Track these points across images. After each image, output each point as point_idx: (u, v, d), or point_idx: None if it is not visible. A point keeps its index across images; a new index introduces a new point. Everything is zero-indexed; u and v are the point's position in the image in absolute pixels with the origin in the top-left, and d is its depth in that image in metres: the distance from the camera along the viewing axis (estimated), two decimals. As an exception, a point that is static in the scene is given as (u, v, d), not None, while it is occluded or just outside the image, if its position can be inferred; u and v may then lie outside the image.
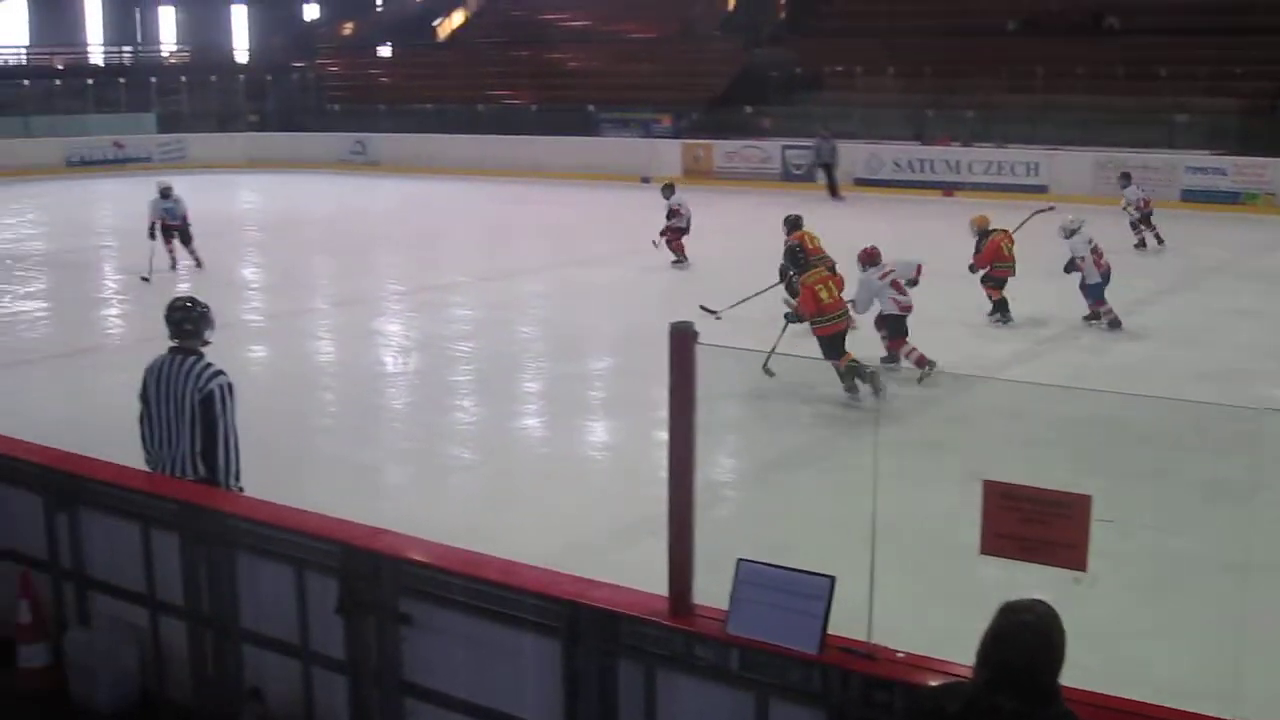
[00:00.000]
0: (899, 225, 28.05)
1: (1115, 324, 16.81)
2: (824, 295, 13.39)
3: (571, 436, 13.05)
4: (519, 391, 14.95)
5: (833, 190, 34.28)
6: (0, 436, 8.29)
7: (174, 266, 21.50)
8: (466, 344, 16.64)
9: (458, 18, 53.25)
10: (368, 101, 47.62)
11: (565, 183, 35.62)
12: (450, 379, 15.32)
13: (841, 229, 26.63)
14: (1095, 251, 16.86)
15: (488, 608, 5.73)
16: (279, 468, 11.13)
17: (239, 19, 63.78)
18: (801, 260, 14.79)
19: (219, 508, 6.79)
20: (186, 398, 7.35)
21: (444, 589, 5.87)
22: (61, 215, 27.58)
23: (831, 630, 4.98)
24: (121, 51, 59.33)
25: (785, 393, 12.67)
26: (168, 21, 63.97)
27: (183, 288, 18.38)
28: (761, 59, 41.74)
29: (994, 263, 17.19)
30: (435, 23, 53.22)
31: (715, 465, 10.46)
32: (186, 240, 21.78)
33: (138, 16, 62.40)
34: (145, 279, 20.09)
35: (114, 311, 20.31)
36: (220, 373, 7.45)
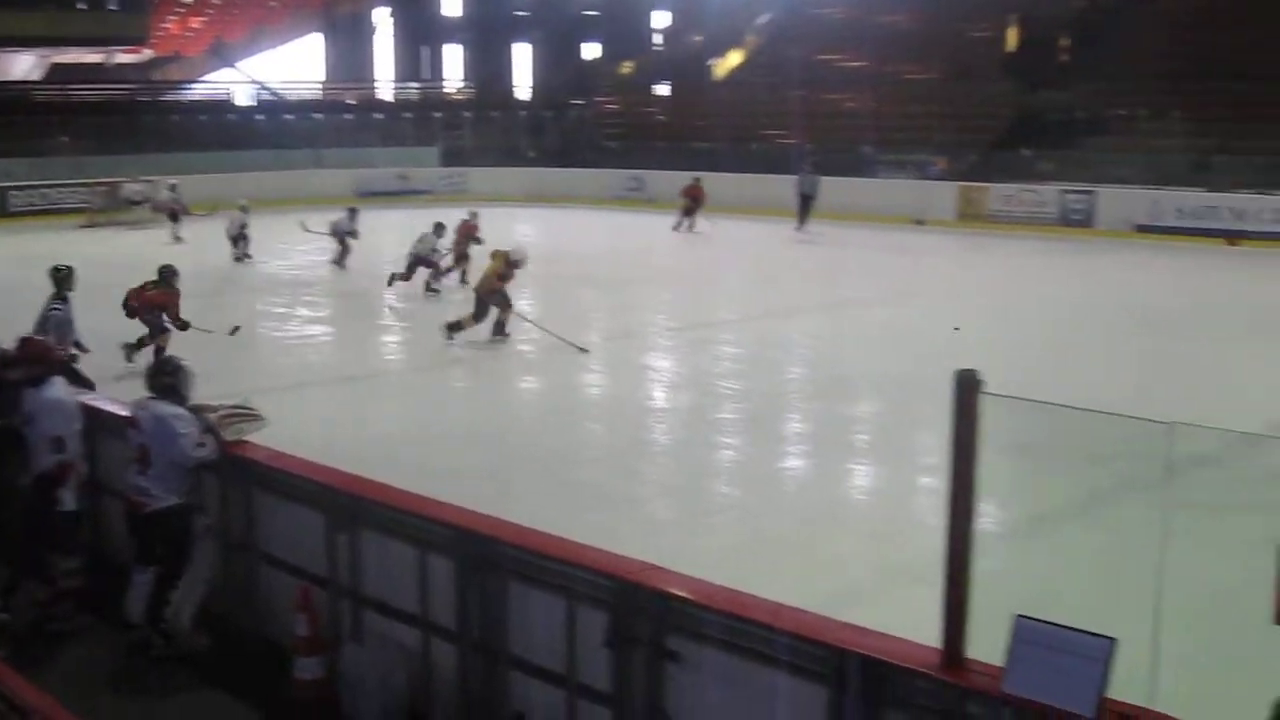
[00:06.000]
0: (1182, 275, 27.29)
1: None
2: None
3: (837, 479, 12.94)
4: (786, 431, 14.89)
5: (801, 218, 35.29)
6: (287, 456, 8.60)
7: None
8: (735, 382, 16.65)
9: (734, 58, 53.57)
10: (644, 139, 48.26)
11: (836, 224, 35.46)
12: (717, 416, 15.33)
13: (1116, 278, 26.02)
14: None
15: (755, 649, 5.70)
16: (547, 497, 11.34)
17: (522, 58, 65.43)
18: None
19: (494, 535, 6.90)
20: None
21: (712, 628, 5.86)
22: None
23: (1109, 694, 4.80)
24: (409, 88, 61.45)
25: (1061, 444, 12.35)
26: (454, 59, 66.09)
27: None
28: (1041, 102, 40.94)
29: None
30: (711, 62, 53.63)
31: (985, 515, 10.21)
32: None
33: (426, 55, 64.61)
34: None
35: (392, 339, 20.97)
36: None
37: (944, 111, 41.62)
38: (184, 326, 16.64)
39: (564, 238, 34.89)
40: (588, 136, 51.44)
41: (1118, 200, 34.97)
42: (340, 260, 27.41)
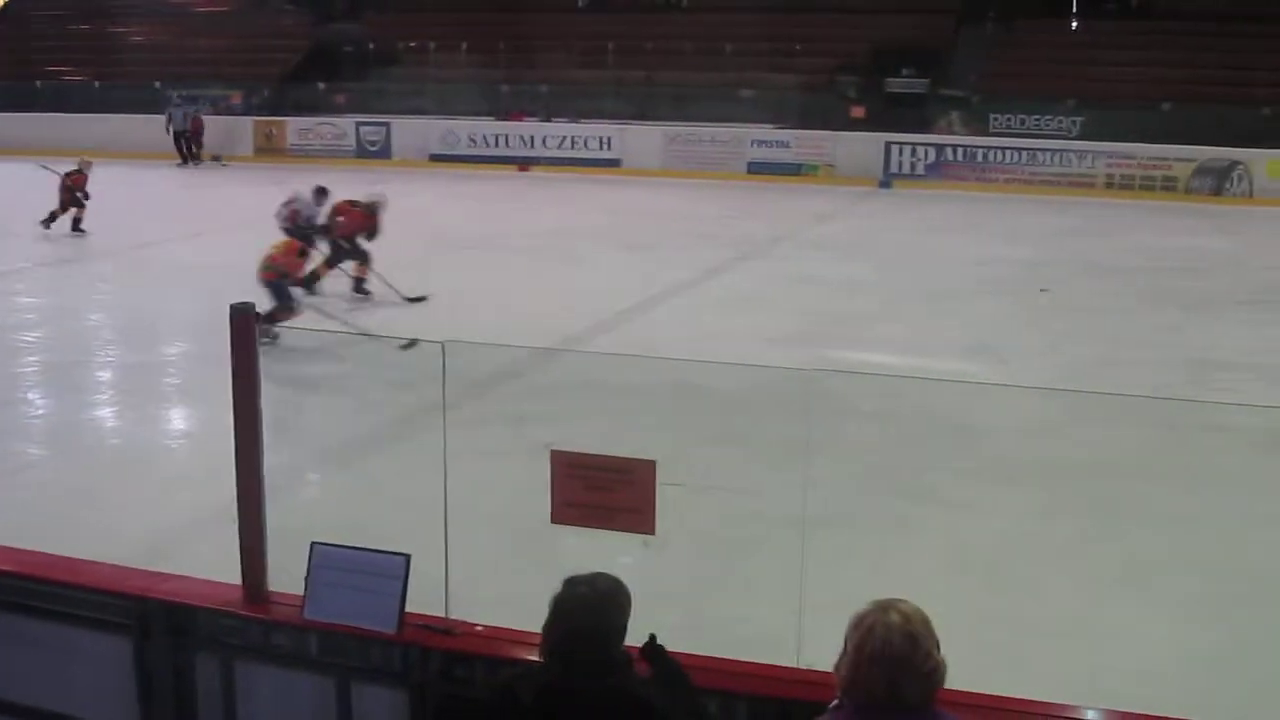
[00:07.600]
0: (477, 201, 28.38)
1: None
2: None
3: (147, 426, 12.60)
4: (90, 382, 14.33)
5: (194, 156, 36.72)
6: None
7: None
8: (31, 334, 15.84)
9: (10, -10, 50.40)
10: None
11: (130, 163, 34.20)
12: (14, 371, 14.52)
13: (416, 206, 26.76)
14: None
15: (51, 609, 5.48)
16: None
17: None
18: None
19: None
20: None
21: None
22: None
23: (413, 609, 4.98)
24: None
25: (362, 374, 12.60)
26: None
27: None
28: (333, 34, 41.16)
29: None
30: (-15, -7, 50.22)
31: (292, 449, 10.30)
32: None
33: None
34: None
35: None
36: None
37: (236, 45, 40.98)
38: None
39: None
40: None
41: (412, 130, 35.95)
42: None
